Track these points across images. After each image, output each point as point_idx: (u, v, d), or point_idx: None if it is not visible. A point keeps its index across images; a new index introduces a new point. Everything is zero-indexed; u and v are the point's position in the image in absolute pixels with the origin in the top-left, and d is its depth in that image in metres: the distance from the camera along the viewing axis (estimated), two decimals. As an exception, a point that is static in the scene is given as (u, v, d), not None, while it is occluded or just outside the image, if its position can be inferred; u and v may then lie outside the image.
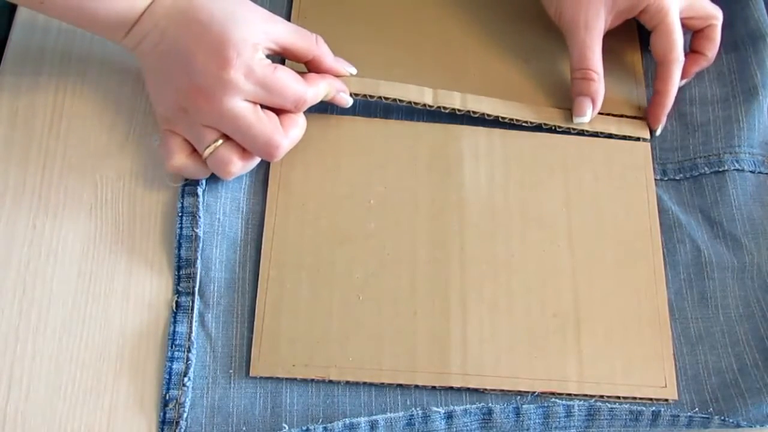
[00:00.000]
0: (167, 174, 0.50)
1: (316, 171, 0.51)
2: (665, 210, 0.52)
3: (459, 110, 0.53)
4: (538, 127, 0.54)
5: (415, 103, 0.52)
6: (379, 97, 0.52)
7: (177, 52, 0.45)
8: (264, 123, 0.46)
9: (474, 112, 0.53)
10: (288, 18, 0.57)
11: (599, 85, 0.53)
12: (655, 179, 0.53)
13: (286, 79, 0.47)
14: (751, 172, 0.54)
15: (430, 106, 0.53)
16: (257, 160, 0.49)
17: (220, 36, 0.45)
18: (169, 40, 0.46)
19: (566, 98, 0.55)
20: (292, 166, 0.51)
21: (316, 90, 0.48)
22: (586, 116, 0.53)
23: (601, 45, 0.53)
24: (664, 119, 0.54)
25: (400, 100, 0.52)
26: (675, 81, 0.53)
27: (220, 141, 0.46)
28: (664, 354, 0.48)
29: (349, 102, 0.51)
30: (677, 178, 0.54)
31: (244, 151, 0.47)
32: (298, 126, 0.48)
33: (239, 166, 0.47)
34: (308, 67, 0.50)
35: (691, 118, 0.56)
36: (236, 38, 0.45)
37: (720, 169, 0.53)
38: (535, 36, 0.57)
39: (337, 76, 0.51)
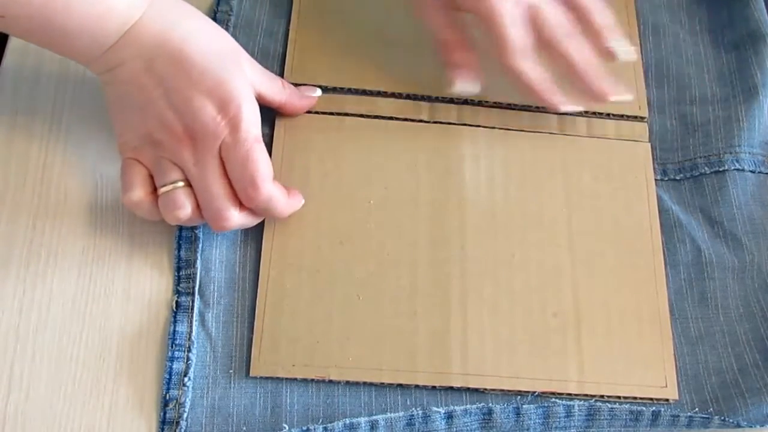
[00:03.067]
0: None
1: (316, 171, 0.51)
2: (665, 210, 0.52)
3: (455, 123, 0.53)
4: (538, 128, 0.54)
5: (412, 120, 0.53)
6: (375, 116, 0.53)
7: (167, 89, 0.44)
8: (225, 189, 0.44)
9: (470, 124, 0.53)
10: (288, 19, 0.56)
11: (463, 52, 0.50)
12: (656, 179, 0.53)
13: (256, 155, 0.44)
14: (751, 171, 0.53)
15: (426, 121, 0.53)
16: (203, 221, 0.46)
17: (220, 83, 0.43)
18: (157, 74, 0.44)
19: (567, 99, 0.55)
20: (292, 166, 0.51)
21: (278, 196, 0.46)
22: (461, 84, 0.51)
23: (449, 14, 0.50)
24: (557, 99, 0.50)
25: (396, 118, 0.53)
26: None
27: (181, 183, 0.45)
28: (664, 354, 0.48)
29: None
30: (677, 178, 0.54)
31: (198, 206, 0.45)
32: (253, 215, 0.47)
33: (187, 215, 0.45)
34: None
35: (691, 118, 0.56)
36: (237, 87, 0.44)
37: (720, 169, 0.53)
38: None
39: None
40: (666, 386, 0.47)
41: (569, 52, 0.49)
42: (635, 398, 0.47)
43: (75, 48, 0.44)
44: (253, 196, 0.45)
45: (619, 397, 0.47)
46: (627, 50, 0.49)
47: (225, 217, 0.45)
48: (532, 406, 0.45)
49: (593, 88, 0.49)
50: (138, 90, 0.44)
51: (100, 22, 0.43)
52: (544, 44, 0.49)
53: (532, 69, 0.49)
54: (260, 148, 0.44)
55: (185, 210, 0.45)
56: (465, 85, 0.51)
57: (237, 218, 0.45)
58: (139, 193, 0.45)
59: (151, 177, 0.46)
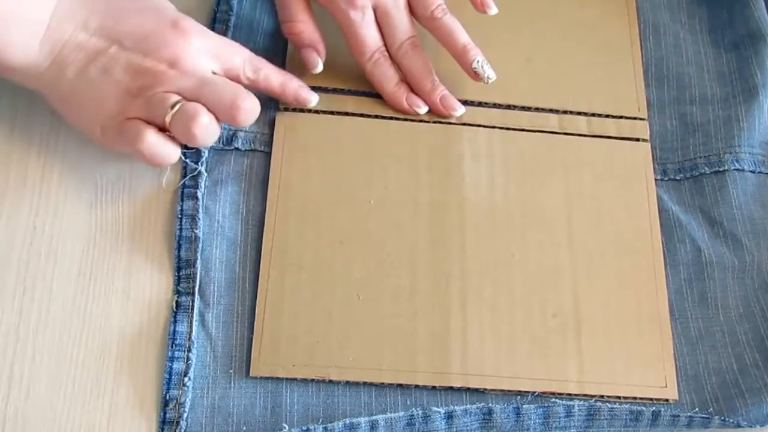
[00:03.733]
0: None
1: (317, 171, 0.51)
2: (665, 210, 0.52)
3: (455, 123, 0.53)
4: (538, 127, 0.54)
5: (412, 120, 0.53)
6: (376, 116, 0.53)
7: (114, 38, 0.45)
8: (227, 81, 0.46)
9: (470, 124, 0.53)
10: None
11: (311, 32, 0.52)
12: (656, 179, 0.53)
13: (232, 42, 0.48)
14: (751, 171, 0.54)
15: (426, 121, 0.53)
16: (218, 125, 0.46)
17: (167, 12, 0.46)
18: (97, 29, 0.45)
19: (567, 99, 0.55)
20: (292, 166, 0.51)
21: (269, 65, 0.48)
22: (318, 66, 0.52)
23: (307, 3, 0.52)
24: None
25: (396, 118, 0.53)
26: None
27: (183, 101, 0.45)
28: (664, 354, 0.48)
29: (312, 100, 0.51)
30: (677, 178, 0.54)
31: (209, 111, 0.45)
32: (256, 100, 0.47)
33: (205, 123, 0.44)
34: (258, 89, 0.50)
35: (691, 118, 0.56)
36: (180, 13, 0.47)
37: (720, 169, 0.53)
38: (536, 36, 0.57)
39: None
40: (666, 386, 0.47)
41: (404, 63, 0.52)
42: (635, 398, 0.47)
43: (14, 43, 0.44)
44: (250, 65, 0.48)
45: (618, 398, 0.47)
46: (490, 72, 0.52)
47: (242, 97, 0.45)
48: (532, 406, 0.45)
49: (428, 100, 0.53)
50: (90, 57, 0.45)
51: (30, 6, 0.44)
52: (388, 49, 0.52)
53: (382, 73, 0.52)
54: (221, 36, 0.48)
55: (202, 116, 0.44)
56: (320, 65, 0.52)
57: (252, 98, 0.46)
58: (150, 133, 0.45)
59: (149, 124, 0.45)
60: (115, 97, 0.45)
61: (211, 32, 0.48)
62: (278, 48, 0.55)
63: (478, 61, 0.51)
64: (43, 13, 0.44)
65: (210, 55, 0.47)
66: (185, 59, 0.45)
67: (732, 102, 0.56)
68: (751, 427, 0.46)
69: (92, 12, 0.45)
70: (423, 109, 0.53)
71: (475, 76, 0.52)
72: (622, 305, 0.49)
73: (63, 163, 0.50)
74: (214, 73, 0.47)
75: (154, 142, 0.45)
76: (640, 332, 0.48)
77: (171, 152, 0.46)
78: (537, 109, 0.54)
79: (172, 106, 0.44)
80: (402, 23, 0.52)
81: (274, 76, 0.49)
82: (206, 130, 0.45)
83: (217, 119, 0.46)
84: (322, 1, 0.51)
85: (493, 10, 0.52)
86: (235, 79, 0.47)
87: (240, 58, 0.48)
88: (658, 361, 0.47)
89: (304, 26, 0.51)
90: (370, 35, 0.51)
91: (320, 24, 0.53)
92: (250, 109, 0.46)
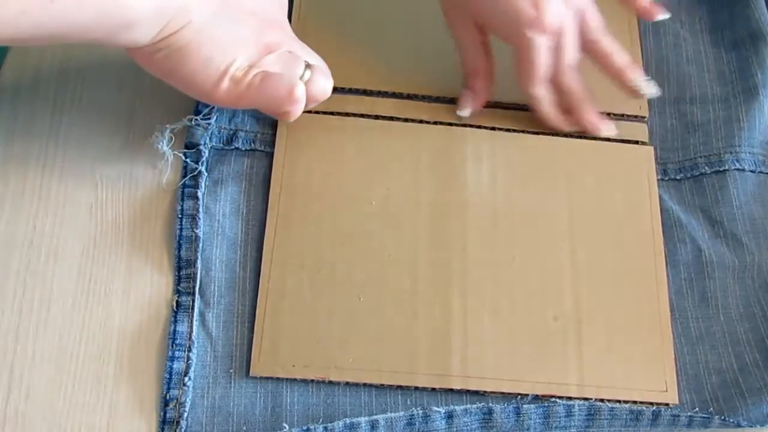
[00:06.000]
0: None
1: (319, 172, 0.51)
2: (666, 210, 0.52)
3: (456, 124, 0.53)
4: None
5: (412, 120, 0.53)
6: (376, 116, 0.53)
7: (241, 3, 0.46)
8: None
9: (472, 125, 0.53)
10: (288, 20, 0.56)
11: (485, 81, 0.52)
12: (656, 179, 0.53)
13: None
14: (751, 171, 0.54)
15: (427, 121, 0.53)
16: None
17: None
18: None
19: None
20: (294, 166, 0.51)
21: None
22: (466, 111, 0.53)
23: (483, 42, 0.52)
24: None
25: (396, 118, 0.53)
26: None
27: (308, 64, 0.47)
28: (665, 358, 0.48)
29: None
30: (678, 177, 0.54)
31: None
32: None
33: (330, 87, 0.48)
34: None
35: (692, 118, 0.56)
36: None
37: (720, 169, 0.53)
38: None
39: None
40: (666, 390, 0.47)
41: (566, 82, 0.52)
42: (635, 402, 0.46)
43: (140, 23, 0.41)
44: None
45: (619, 401, 0.46)
46: (651, 89, 0.51)
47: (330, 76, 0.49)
48: (532, 405, 0.45)
49: (585, 119, 0.53)
50: (220, 8, 0.44)
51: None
52: (556, 73, 0.51)
53: (544, 96, 0.52)
54: None
55: (329, 82, 0.48)
56: (468, 111, 0.53)
57: None
58: (302, 85, 0.46)
59: None
60: (248, 48, 0.45)
61: None
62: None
63: (638, 80, 0.51)
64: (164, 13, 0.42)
65: None
66: (288, 26, 0.49)
67: (732, 102, 0.56)
68: (751, 426, 0.46)
69: None
70: (574, 128, 0.53)
71: (634, 93, 0.52)
72: (623, 308, 0.49)
73: (63, 163, 0.50)
74: None
75: (304, 93, 0.46)
76: (641, 335, 0.48)
77: (301, 108, 0.46)
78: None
79: (307, 67, 0.46)
80: (575, 46, 0.51)
81: None
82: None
83: None
84: (502, 33, 0.51)
85: (665, 15, 0.53)
86: None
87: None
88: (659, 365, 0.47)
89: (483, 74, 0.52)
90: (545, 62, 0.50)
91: (319, 21, 0.53)
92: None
